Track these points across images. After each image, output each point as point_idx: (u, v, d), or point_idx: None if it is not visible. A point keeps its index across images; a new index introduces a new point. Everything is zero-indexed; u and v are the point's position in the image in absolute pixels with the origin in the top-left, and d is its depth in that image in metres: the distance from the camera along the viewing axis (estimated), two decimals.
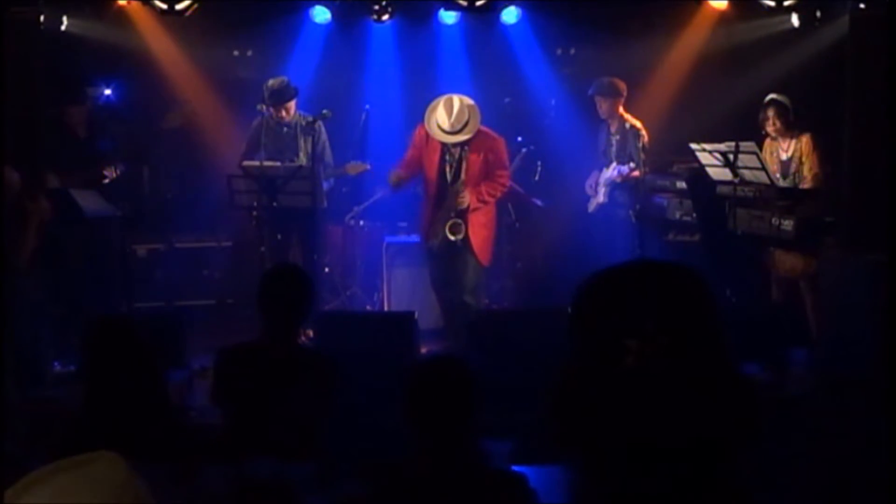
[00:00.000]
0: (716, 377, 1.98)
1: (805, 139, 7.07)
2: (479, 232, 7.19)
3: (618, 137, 7.95)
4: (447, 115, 7.03)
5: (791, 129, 7.11)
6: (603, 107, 7.97)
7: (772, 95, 7.16)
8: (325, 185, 7.80)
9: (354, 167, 7.90)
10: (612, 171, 7.85)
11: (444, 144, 7.14)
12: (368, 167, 7.97)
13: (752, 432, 2.03)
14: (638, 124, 7.83)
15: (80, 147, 7.50)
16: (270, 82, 7.64)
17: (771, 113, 7.11)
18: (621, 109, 7.96)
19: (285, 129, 7.70)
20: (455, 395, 3.17)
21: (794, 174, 7.12)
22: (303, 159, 7.58)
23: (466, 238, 7.12)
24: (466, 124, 7.05)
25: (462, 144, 7.12)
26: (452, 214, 7.12)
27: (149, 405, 3.74)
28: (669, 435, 1.88)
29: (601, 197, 7.97)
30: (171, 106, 7.50)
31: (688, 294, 1.99)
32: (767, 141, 7.22)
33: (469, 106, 7.11)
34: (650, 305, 1.96)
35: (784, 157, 7.16)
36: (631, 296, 1.98)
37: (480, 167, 7.10)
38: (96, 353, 3.80)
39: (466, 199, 7.07)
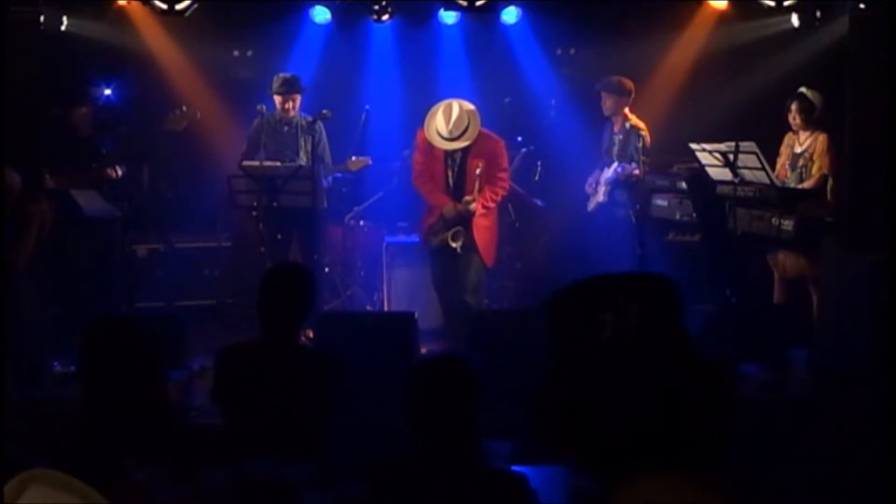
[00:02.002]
0: (682, 359, 2.06)
1: (822, 138, 7.08)
2: (483, 234, 7.20)
3: (620, 137, 7.95)
4: (446, 121, 7.03)
5: (812, 125, 7.12)
6: (607, 103, 7.94)
7: (801, 89, 7.19)
8: (325, 183, 7.81)
9: (356, 163, 7.90)
10: (612, 171, 7.86)
11: (446, 149, 7.15)
12: (370, 161, 7.96)
13: (725, 416, 2.08)
14: (641, 125, 7.82)
15: (83, 147, 7.49)
16: (281, 74, 7.72)
17: (794, 106, 7.14)
18: (626, 110, 7.96)
19: (286, 127, 7.71)
20: (456, 395, 3.17)
21: (802, 169, 7.12)
22: (303, 158, 7.59)
23: (471, 240, 7.14)
24: (466, 130, 7.04)
25: (462, 150, 7.12)
26: (455, 222, 7.12)
27: (149, 405, 3.74)
28: (645, 407, 1.94)
29: (601, 196, 7.96)
30: (173, 108, 7.48)
31: (653, 284, 2.09)
32: (789, 134, 7.24)
33: (469, 111, 7.09)
34: (620, 282, 2.05)
35: (798, 150, 7.17)
36: (602, 281, 2.09)
37: (482, 170, 7.10)
38: (96, 352, 3.79)
39: (474, 206, 7.08)
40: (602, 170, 8.01)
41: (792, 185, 7.10)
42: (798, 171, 7.14)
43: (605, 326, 2.04)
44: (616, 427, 1.97)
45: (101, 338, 3.81)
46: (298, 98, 7.68)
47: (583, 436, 2.03)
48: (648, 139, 7.79)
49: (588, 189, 8.12)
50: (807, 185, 7.08)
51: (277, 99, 7.66)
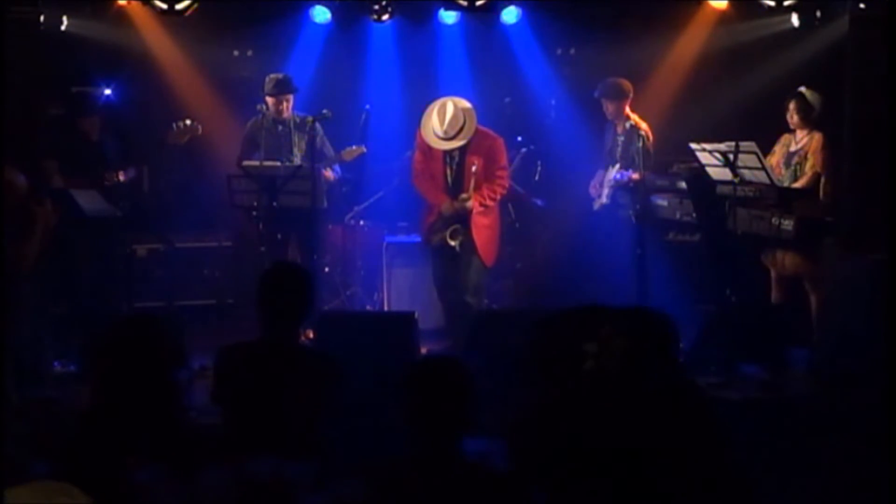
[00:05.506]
0: (669, 387, 2.02)
1: (817, 137, 7.08)
2: (483, 233, 7.19)
3: (623, 139, 7.95)
4: (440, 121, 7.02)
5: (809, 124, 7.12)
6: (609, 109, 7.94)
7: (801, 88, 7.19)
8: (335, 174, 7.80)
9: (350, 153, 7.86)
10: (613, 176, 7.87)
11: (442, 149, 7.14)
12: (364, 150, 7.94)
13: (706, 446, 2.06)
14: (643, 125, 7.81)
15: (92, 152, 7.46)
16: (272, 75, 7.73)
17: (792, 106, 7.14)
18: (628, 110, 7.94)
19: (280, 126, 7.72)
20: (453, 396, 3.17)
21: (796, 167, 7.12)
22: (297, 156, 7.60)
23: (470, 239, 7.13)
24: (461, 129, 7.03)
25: (460, 148, 7.11)
26: (453, 220, 7.12)
27: (158, 405, 3.71)
28: (622, 442, 1.91)
29: (604, 198, 7.97)
30: (175, 120, 7.44)
31: (647, 320, 2.05)
32: (786, 134, 7.24)
33: (464, 109, 7.08)
34: (605, 316, 2.01)
35: (793, 148, 7.18)
36: (591, 313, 2.05)
37: (480, 168, 7.09)
38: (119, 350, 3.72)
39: (470, 203, 7.07)
40: (606, 170, 8.02)
41: (787, 183, 7.10)
42: (792, 168, 7.14)
43: (587, 358, 2.01)
44: (590, 470, 1.96)
45: (130, 335, 3.75)
46: (291, 98, 7.70)
47: (556, 473, 2.03)
48: (650, 138, 7.78)
49: (592, 191, 8.13)
50: (799, 183, 7.09)
51: (270, 100, 7.67)
